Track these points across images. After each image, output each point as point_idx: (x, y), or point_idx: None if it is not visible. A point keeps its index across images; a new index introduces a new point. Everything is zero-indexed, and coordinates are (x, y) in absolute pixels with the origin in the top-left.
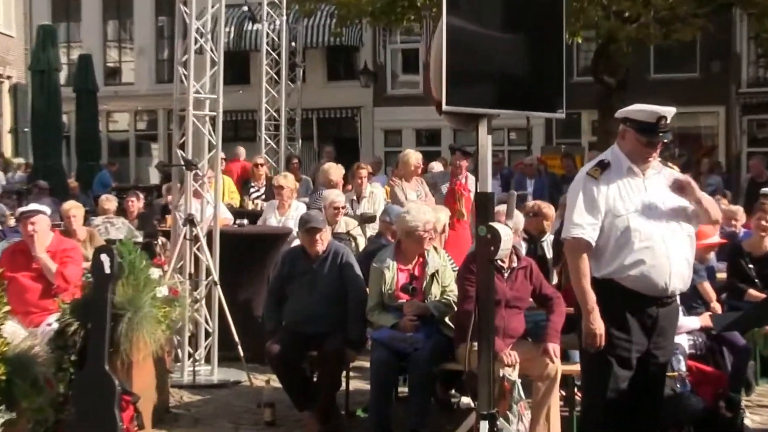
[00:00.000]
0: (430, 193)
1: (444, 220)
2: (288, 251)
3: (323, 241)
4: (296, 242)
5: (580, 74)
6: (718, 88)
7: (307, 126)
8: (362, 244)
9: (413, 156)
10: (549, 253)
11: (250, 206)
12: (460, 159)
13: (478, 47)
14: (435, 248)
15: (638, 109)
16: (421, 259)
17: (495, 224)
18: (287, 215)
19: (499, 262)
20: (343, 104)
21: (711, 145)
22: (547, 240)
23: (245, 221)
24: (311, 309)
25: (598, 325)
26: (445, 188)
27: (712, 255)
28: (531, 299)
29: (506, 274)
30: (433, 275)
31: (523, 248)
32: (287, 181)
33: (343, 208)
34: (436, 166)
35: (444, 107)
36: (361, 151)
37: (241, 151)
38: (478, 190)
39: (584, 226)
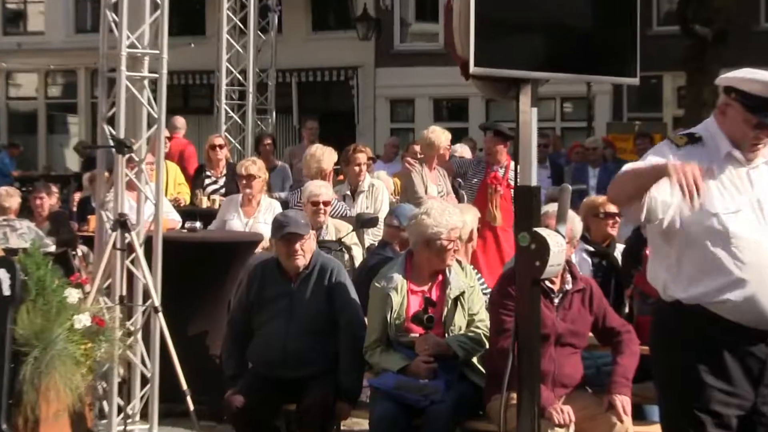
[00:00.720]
0: (452, 189)
1: (472, 224)
2: (257, 266)
3: (306, 252)
4: (265, 254)
5: (662, 23)
6: None
7: (283, 93)
8: (359, 257)
9: (443, 135)
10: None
11: (205, 204)
12: (495, 143)
13: None
14: (459, 263)
15: (749, 78)
16: (440, 278)
17: (542, 230)
18: (256, 216)
19: (547, 283)
20: (334, 63)
21: None
22: (617, 253)
23: (198, 224)
24: (288, 347)
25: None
26: (477, 181)
27: None
28: (591, 334)
29: (557, 300)
30: (456, 300)
31: (588, 265)
32: (257, 168)
33: (326, 204)
34: (460, 150)
35: (472, 69)
36: (358, 128)
37: (180, 122)
38: (519, 183)
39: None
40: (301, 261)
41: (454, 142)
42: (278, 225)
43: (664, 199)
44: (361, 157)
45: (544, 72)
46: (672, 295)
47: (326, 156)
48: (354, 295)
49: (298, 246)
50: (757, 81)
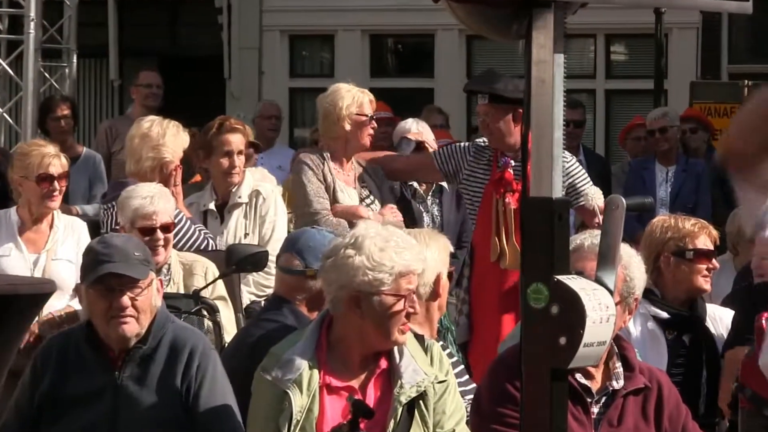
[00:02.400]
0: (386, 190)
1: (438, 266)
2: (51, 341)
3: (141, 312)
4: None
5: None
6: None
7: (93, 21)
8: (231, 325)
9: (350, 95)
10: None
11: None
12: (495, 114)
13: None
14: (420, 339)
15: None
16: (382, 366)
17: (571, 280)
18: (51, 248)
19: (579, 377)
20: None
21: None
22: (714, 318)
23: None
24: None
25: None
26: (479, 188)
27: None
28: None
29: (597, 409)
30: (412, 407)
31: (660, 345)
32: (56, 163)
33: (166, 229)
34: (415, 128)
35: None
36: (231, 87)
37: None
38: (531, 193)
39: None
40: (132, 328)
41: (408, 110)
42: (93, 259)
43: None
44: (236, 141)
45: None
46: None
47: (169, 137)
48: (230, 397)
49: (126, 300)
50: None
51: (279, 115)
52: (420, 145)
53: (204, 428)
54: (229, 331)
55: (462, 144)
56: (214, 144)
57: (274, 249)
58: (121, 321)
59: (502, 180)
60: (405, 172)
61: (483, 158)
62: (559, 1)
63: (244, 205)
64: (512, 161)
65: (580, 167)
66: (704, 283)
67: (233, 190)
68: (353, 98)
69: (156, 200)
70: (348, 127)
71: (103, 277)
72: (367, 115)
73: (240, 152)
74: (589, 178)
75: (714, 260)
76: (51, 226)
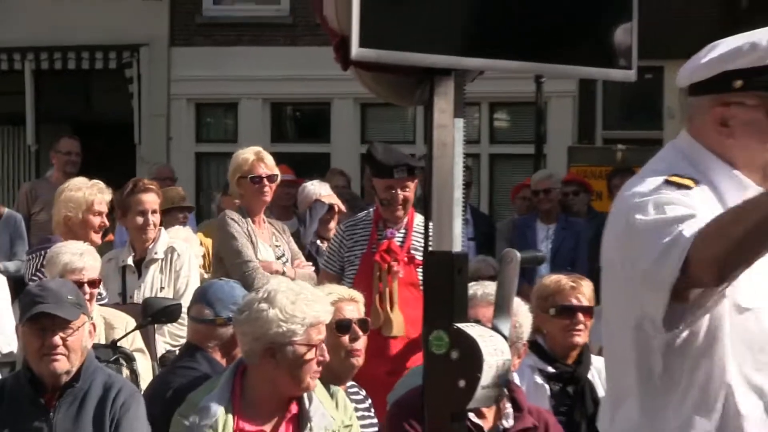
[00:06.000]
0: (298, 250)
1: (351, 313)
2: None
3: (72, 351)
4: None
5: None
6: None
7: (11, 90)
8: (147, 373)
9: (241, 159)
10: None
11: None
12: (405, 182)
13: None
14: (325, 385)
15: None
16: (293, 411)
17: (469, 327)
18: None
19: (473, 417)
20: (99, 38)
21: None
22: (599, 370)
23: None
24: None
25: None
26: (353, 256)
27: None
28: None
29: None
30: None
31: (545, 396)
32: None
33: (93, 284)
34: (316, 190)
35: (356, 51)
36: (141, 152)
37: None
38: (433, 247)
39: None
40: (62, 365)
41: (308, 173)
42: (29, 300)
43: None
44: (149, 200)
45: (477, 58)
46: None
47: (94, 195)
48: None
49: (57, 339)
50: None
51: (173, 177)
52: (332, 208)
53: None
54: (146, 380)
55: (332, 243)
56: (129, 203)
57: (187, 302)
58: (52, 358)
59: (389, 250)
60: None
61: (357, 232)
62: (459, 70)
63: (160, 261)
64: (398, 232)
65: None
66: (570, 338)
67: (150, 246)
68: (243, 161)
69: (85, 257)
70: (243, 189)
71: (37, 317)
72: (260, 176)
73: (154, 211)
74: None
75: (581, 315)
76: None
